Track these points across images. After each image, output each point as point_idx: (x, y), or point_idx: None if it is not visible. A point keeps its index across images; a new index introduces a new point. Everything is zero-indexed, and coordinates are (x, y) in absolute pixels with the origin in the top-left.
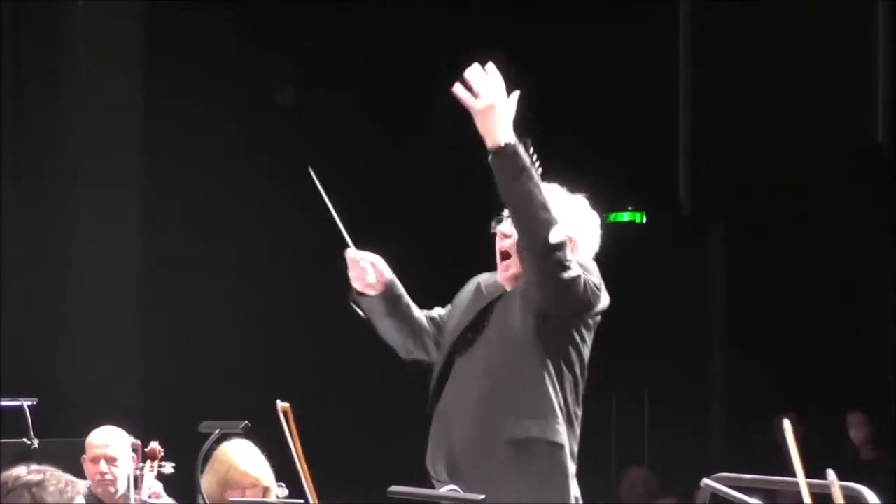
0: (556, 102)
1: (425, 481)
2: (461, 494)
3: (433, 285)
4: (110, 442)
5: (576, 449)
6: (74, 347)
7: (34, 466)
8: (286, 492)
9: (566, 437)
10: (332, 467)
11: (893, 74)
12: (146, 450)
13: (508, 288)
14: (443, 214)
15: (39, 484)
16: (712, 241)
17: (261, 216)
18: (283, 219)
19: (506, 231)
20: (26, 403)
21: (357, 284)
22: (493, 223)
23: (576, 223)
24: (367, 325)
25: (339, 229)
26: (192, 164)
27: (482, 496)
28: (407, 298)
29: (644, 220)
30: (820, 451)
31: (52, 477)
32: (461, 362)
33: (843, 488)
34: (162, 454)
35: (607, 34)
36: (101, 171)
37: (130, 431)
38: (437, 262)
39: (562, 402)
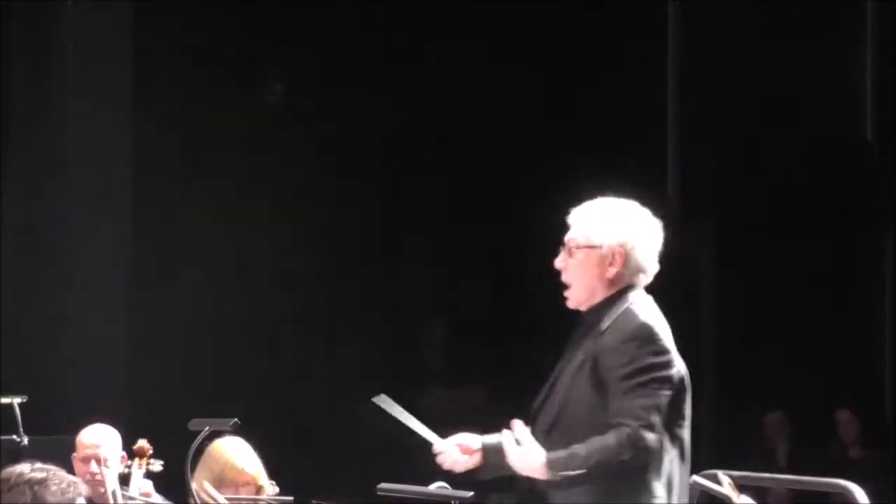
0: (547, 100)
1: (414, 479)
2: (449, 491)
3: (433, 280)
4: (102, 442)
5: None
6: (64, 344)
7: (38, 465)
8: (277, 489)
9: None
10: (321, 465)
11: (882, 72)
12: (135, 448)
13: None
14: (438, 212)
15: (42, 483)
16: (702, 239)
17: (251, 214)
18: (274, 217)
19: (558, 265)
20: (16, 401)
21: (458, 469)
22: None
23: (629, 240)
24: (358, 322)
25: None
26: (182, 162)
27: (470, 493)
28: None
29: None
30: (809, 449)
31: (55, 476)
32: (564, 415)
33: (833, 486)
34: (151, 452)
35: (597, 34)
36: (91, 170)
37: (120, 429)
38: (434, 260)
39: (657, 477)
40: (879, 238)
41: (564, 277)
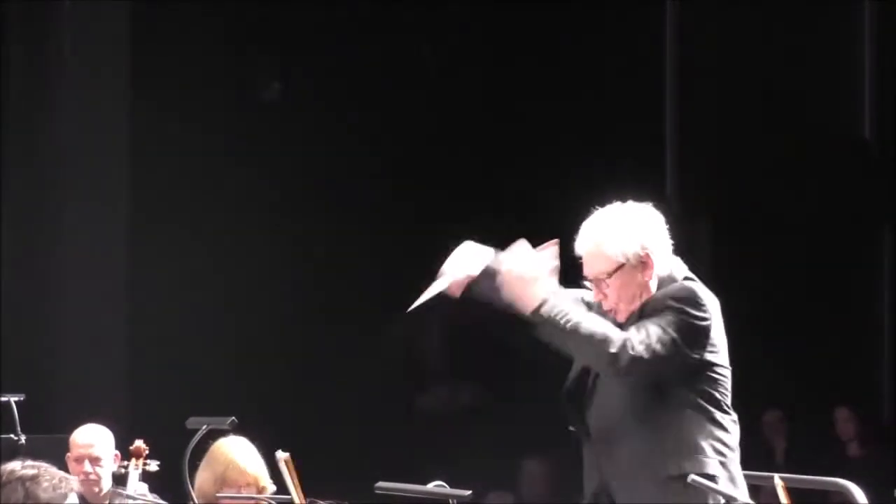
0: (544, 100)
1: (412, 477)
2: (447, 490)
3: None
4: (95, 441)
5: (736, 476)
6: (62, 343)
7: (29, 462)
8: (274, 488)
9: (719, 468)
10: (319, 463)
11: (880, 72)
12: (131, 448)
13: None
14: (436, 210)
15: (34, 479)
16: (700, 239)
17: (248, 213)
18: (271, 215)
19: (597, 300)
20: (13, 399)
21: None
22: (589, 288)
23: (646, 241)
24: (355, 321)
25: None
26: (179, 160)
27: (468, 491)
28: None
29: None
30: (807, 447)
31: (47, 473)
32: (600, 386)
33: (831, 485)
34: (147, 452)
35: (595, 32)
36: (88, 168)
37: (117, 428)
38: (432, 259)
39: (706, 437)
40: (877, 236)
41: (608, 306)
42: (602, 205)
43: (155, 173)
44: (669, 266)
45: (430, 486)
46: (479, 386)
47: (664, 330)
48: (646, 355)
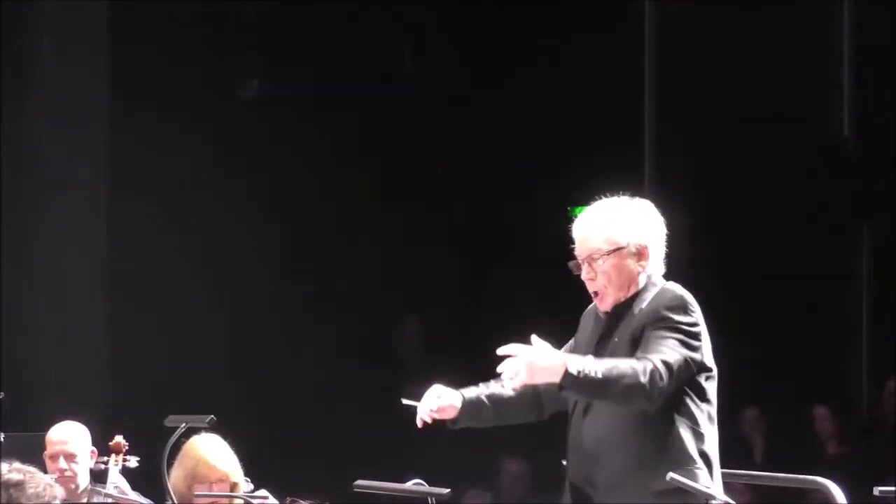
0: (523, 96)
1: (390, 476)
2: (426, 488)
3: (407, 277)
4: (69, 438)
5: (720, 488)
6: (41, 342)
7: (17, 465)
8: (251, 486)
9: (709, 479)
10: (298, 461)
11: (858, 69)
12: (110, 444)
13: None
14: (413, 208)
15: (18, 485)
16: (678, 236)
17: (226, 209)
18: (249, 212)
19: (586, 278)
20: None
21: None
22: (573, 269)
23: (647, 233)
24: (335, 320)
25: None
26: (158, 158)
27: (447, 490)
28: (495, 394)
29: None
30: (785, 445)
31: (32, 480)
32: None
33: (810, 483)
34: (126, 448)
35: (574, 28)
36: (67, 167)
37: (97, 426)
38: (408, 257)
39: (698, 447)
40: (856, 234)
41: (595, 287)
42: (581, 202)
43: (134, 171)
44: (659, 269)
45: (409, 484)
46: (454, 384)
47: (675, 351)
48: (672, 384)
